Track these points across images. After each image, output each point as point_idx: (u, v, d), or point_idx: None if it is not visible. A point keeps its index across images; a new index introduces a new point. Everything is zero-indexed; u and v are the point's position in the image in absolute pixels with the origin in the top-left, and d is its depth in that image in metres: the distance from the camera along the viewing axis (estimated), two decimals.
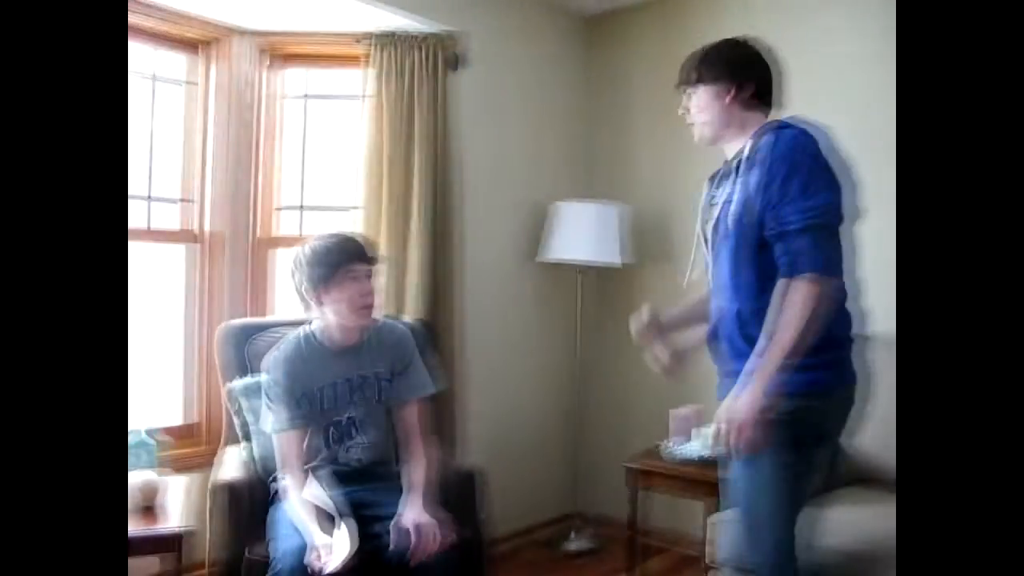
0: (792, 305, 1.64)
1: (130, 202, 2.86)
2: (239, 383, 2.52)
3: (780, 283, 1.70)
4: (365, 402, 2.31)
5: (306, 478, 2.21)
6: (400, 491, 2.20)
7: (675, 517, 3.36)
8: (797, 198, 1.67)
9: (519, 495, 3.60)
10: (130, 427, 2.40)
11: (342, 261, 2.18)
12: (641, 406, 3.69)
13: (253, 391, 2.45)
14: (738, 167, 1.81)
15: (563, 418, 3.79)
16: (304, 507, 2.09)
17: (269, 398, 2.24)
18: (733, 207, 1.78)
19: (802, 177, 1.68)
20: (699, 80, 1.88)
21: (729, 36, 1.96)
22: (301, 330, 2.33)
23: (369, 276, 2.24)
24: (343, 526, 2.03)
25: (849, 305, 1.81)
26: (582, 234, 3.39)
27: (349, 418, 2.30)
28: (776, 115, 1.92)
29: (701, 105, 1.89)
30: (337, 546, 1.96)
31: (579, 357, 3.66)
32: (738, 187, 1.78)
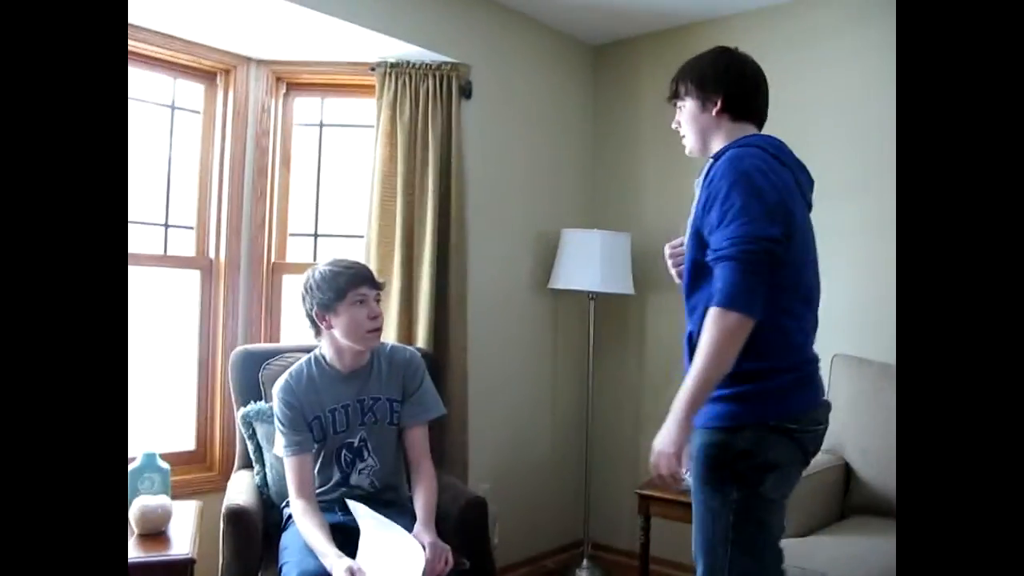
0: (703, 335, 1.61)
1: (146, 228, 2.91)
2: (252, 408, 2.53)
3: None
4: (376, 424, 2.32)
5: (317, 502, 2.22)
6: (410, 516, 2.21)
7: (686, 545, 3.33)
8: (719, 226, 1.63)
9: (529, 522, 3.59)
10: (143, 451, 2.42)
11: (350, 285, 2.21)
12: (653, 432, 3.66)
13: (265, 416, 2.47)
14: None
15: (574, 445, 3.79)
16: (318, 531, 2.09)
17: (280, 422, 2.26)
18: (689, 229, 1.77)
19: (728, 203, 1.63)
20: (686, 93, 1.88)
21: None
22: (310, 355, 2.35)
23: (377, 300, 2.27)
24: (414, 539, 2.05)
25: (781, 335, 1.70)
26: (593, 262, 3.41)
27: (361, 439, 2.31)
28: (770, 128, 1.88)
29: (687, 118, 1.88)
30: (413, 558, 1.98)
31: (591, 382, 3.66)
32: (693, 208, 1.77)
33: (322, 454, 2.30)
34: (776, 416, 1.68)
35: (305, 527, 2.11)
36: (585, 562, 3.55)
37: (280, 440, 2.25)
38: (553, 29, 3.70)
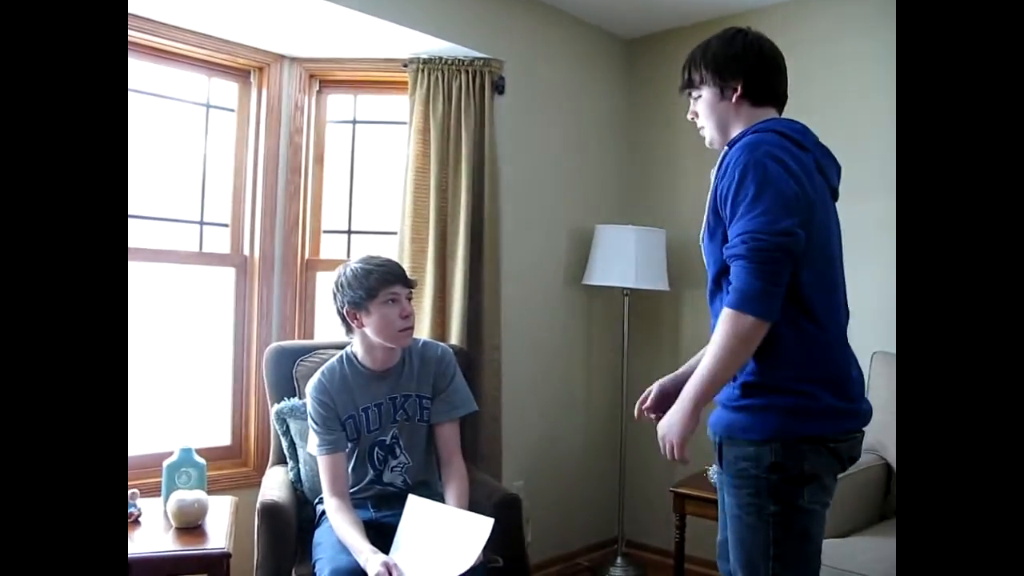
0: (715, 334, 1.55)
1: (182, 226, 2.94)
2: (286, 404, 2.54)
3: None
4: (408, 421, 2.32)
5: (350, 499, 2.22)
6: None
7: None
8: (733, 220, 1.55)
9: (563, 519, 3.57)
10: (180, 446, 2.44)
11: (382, 283, 2.20)
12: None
13: (299, 412, 2.48)
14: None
15: (608, 441, 3.76)
16: (352, 528, 2.09)
17: (314, 421, 2.26)
18: (705, 224, 1.68)
19: (741, 195, 1.54)
20: (701, 82, 1.77)
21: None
22: (342, 353, 2.35)
23: (409, 298, 2.26)
24: (476, 518, 2.05)
25: (808, 340, 1.59)
26: (627, 258, 3.38)
27: (393, 437, 2.31)
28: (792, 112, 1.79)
29: (705, 108, 1.78)
30: (477, 536, 1.99)
31: (625, 379, 3.63)
32: (709, 202, 1.67)
33: (356, 453, 2.30)
34: (812, 432, 1.59)
35: (339, 524, 2.12)
36: (619, 560, 3.52)
37: (313, 439, 2.26)
38: (586, 23, 3.67)
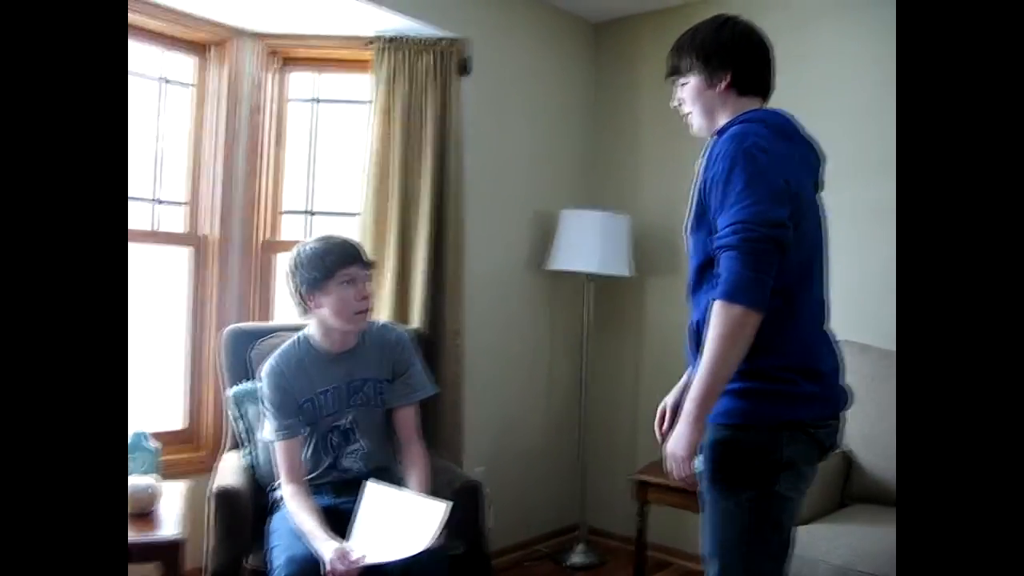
0: (709, 331, 1.51)
1: (136, 204, 2.85)
2: (241, 388, 2.49)
3: None
4: (365, 405, 2.28)
5: (307, 485, 2.18)
6: None
7: (682, 531, 3.31)
8: (721, 210, 1.53)
9: (523, 506, 3.56)
10: (132, 430, 2.38)
11: (339, 264, 2.15)
12: (649, 417, 3.62)
13: (254, 396, 2.43)
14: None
15: (569, 429, 3.75)
16: (309, 515, 2.05)
17: (270, 406, 2.21)
18: (690, 214, 1.67)
19: (729, 185, 1.52)
20: (689, 69, 1.72)
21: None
22: (297, 335, 2.29)
23: (366, 279, 2.21)
24: (432, 502, 2.02)
25: (791, 329, 1.60)
26: (591, 243, 3.36)
27: (350, 421, 2.27)
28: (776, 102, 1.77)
29: (691, 96, 1.74)
30: (431, 519, 1.95)
31: (586, 366, 3.62)
32: (694, 192, 1.65)
33: (313, 438, 2.25)
34: (791, 417, 1.59)
35: (295, 511, 2.08)
36: (580, 547, 3.52)
37: (269, 424, 2.21)
38: (553, 5, 3.63)
